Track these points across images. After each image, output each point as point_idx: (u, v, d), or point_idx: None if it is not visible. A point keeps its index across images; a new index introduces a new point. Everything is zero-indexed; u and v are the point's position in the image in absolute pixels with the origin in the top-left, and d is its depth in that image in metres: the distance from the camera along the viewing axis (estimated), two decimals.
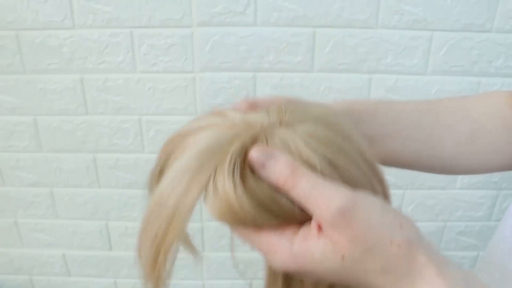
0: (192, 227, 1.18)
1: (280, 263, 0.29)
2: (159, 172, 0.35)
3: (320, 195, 0.27)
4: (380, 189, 0.33)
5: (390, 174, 1.13)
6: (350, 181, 0.30)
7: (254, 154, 0.29)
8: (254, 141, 0.30)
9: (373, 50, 0.96)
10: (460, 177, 1.13)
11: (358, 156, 0.31)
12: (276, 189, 0.29)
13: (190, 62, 0.98)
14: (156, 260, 0.30)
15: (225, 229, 1.18)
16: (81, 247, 1.22)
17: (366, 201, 0.28)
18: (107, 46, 0.97)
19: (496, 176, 1.14)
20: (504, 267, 0.46)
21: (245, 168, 0.29)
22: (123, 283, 1.29)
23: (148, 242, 0.30)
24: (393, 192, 1.13)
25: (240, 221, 0.30)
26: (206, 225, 1.17)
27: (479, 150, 0.46)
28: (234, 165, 0.29)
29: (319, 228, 0.28)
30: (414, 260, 0.27)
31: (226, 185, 0.29)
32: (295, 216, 0.29)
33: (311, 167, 0.29)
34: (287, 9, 0.93)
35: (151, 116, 1.03)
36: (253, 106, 0.35)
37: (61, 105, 1.03)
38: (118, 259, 1.24)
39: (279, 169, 0.28)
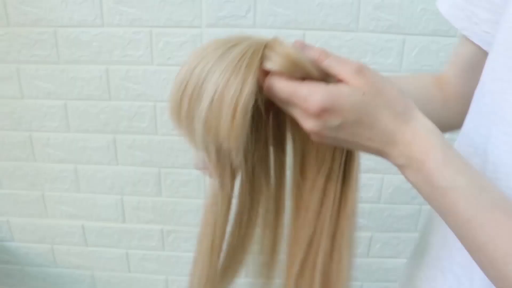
0: (196, 203, 1.35)
1: (318, 99, 0.37)
2: (185, 86, 0.40)
3: (344, 62, 0.38)
4: None
5: (370, 159, 1.29)
6: None
7: (296, 41, 0.41)
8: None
9: (354, 50, 1.13)
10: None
11: None
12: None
13: None
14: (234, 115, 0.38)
15: None
16: (99, 218, 1.39)
17: (374, 71, 0.39)
18: (130, 42, 1.15)
19: None
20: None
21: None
22: (134, 253, 1.45)
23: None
24: (373, 176, 1.29)
25: (294, 70, 0.38)
26: None
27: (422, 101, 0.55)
28: (280, 41, 0.40)
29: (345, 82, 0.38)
30: (408, 105, 0.39)
31: (285, 48, 0.39)
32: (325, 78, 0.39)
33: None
34: (281, 14, 1.10)
35: (164, 102, 1.21)
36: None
37: (89, 91, 1.21)
38: (130, 231, 1.41)
39: (314, 49, 0.40)
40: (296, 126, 0.43)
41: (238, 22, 1.12)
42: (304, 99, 0.38)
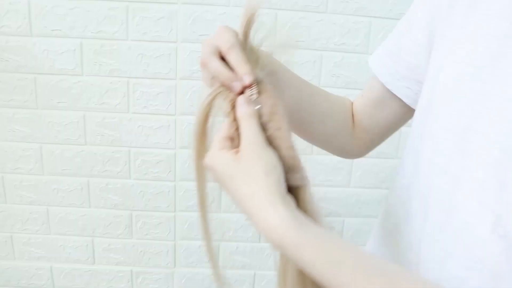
0: (167, 244, 1.39)
1: (206, 159, 0.45)
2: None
3: (252, 130, 0.43)
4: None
5: (331, 204, 1.38)
6: None
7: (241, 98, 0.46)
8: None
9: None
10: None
11: None
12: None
13: (173, 107, 1.23)
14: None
15: (196, 246, 1.39)
16: (68, 260, 1.40)
17: (267, 149, 0.43)
18: (108, 91, 1.22)
19: None
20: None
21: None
22: None
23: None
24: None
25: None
26: (179, 243, 1.38)
27: (327, 128, 0.64)
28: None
29: (237, 152, 0.43)
30: (272, 194, 0.40)
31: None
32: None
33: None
34: None
35: (138, 148, 1.27)
36: None
37: (65, 136, 1.26)
38: (99, 273, 1.42)
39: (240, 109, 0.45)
40: None
41: None
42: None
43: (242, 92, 0.47)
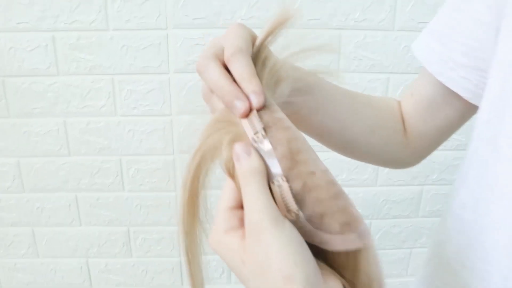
0: (171, 261, 1.22)
1: (210, 240, 0.33)
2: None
3: (254, 203, 0.30)
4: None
5: (356, 206, 1.20)
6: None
7: (237, 147, 0.33)
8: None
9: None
10: (422, 206, 1.22)
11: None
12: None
13: (168, 106, 1.05)
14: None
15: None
16: (61, 284, 1.24)
17: (283, 232, 0.29)
18: (90, 91, 1.04)
19: None
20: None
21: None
22: None
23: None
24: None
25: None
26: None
27: (375, 142, 0.53)
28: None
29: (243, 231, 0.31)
30: None
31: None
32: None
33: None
34: None
35: (131, 156, 1.09)
36: None
37: (45, 147, 1.08)
38: None
39: (243, 166, 0.32)
40: None
41: None
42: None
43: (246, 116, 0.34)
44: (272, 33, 0.36)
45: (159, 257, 1.22)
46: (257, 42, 0.37)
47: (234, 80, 0.34)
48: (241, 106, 0.33)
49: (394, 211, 1.21)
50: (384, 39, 1.02)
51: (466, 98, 0.49)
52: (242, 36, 0.36)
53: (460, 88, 0.48)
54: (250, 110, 0.33)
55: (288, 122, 0.33)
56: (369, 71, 1.05)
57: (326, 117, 0.49)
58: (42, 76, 1.02)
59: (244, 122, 0.33)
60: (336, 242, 0.30)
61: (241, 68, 0.34)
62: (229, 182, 0.34)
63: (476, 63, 0.46)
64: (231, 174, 0.32)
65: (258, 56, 0.36)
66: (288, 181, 0.30)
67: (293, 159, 0.31)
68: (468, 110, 0.51)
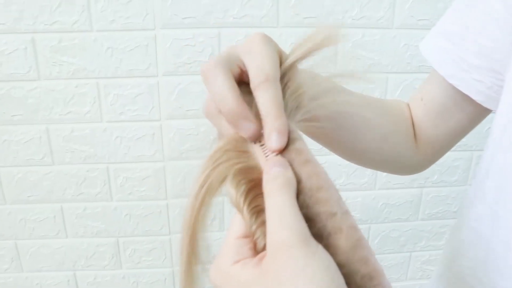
0: (163, 272, 1.17)
1: (211, 272, 0.28)
2: None
3: (282, 218, 0.25)
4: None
5: (355, 210, 1.17)
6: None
7: (272, 159, 0.28)
8: None
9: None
10: (421, 209, 1.18)
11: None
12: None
13: (157, 111, 1.00)
14: None
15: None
16: None
17: (316, 254, 0.24)
18: (73, 97, 0.98)
19: (454, 206, 1.19)
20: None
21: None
22: None
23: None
24: (359, 227, 1.16)
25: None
26: (178, 270, 1.17)
27: (388, 148, 0.50)
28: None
29: (261, 259, 0.26)
30: None
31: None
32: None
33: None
34: None
35: (118, 164, 1.04)
36: None
37: (26, 156, 1.02)
38: None
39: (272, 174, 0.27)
40: None
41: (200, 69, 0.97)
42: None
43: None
44: (306, 55, 0.32)
45: (151, 268, 1.16)
46: (287, 63, 0.32)
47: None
48: (247, 127, 0.28)
49: (394, 215, 1.18)
50: (383, 37, 0.98)
51: (479, 102, 0.45)
52: (271, 58, 0.30)
53: (473, 91, 0.45)
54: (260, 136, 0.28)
55: (308, 154, 0.28)
56: (368, 70, 1.00)
57: (339, 127, 0.45)
58: (21, 81, 0.96)
59: (257, 149, 0.28)
60: None
61: (269, 100, 0.29)
62: (237, 215, 0.29)
63: (491, 64, 0.43)
64: (240, 208, 0.28)
65: (283, 77, 0.31)
66: (306, 221, 0.25)
67: (312, 196, 0.26)
68: (480, 113, 0.49)
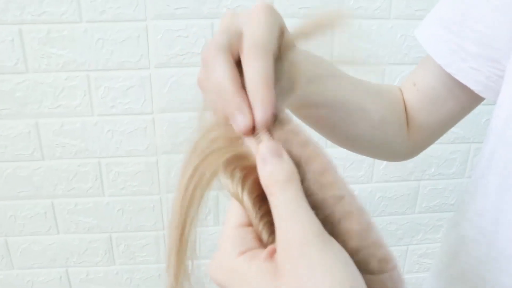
0: (158, 268, 1.15)
1: (210, 267, 0.26)
2: None
3: (293, 214, 0.23)
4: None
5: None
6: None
7: (263, 148, 0.26)
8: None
9: None
10: (418, 202, 1.17)
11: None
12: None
13: (149, 104, 0.97)
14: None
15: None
16: None
17: (332, 251, 0.23)
18: (63, 89, 0.95)
19: (452, 199, 1.18)
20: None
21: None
22: None
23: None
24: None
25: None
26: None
27: (380, 135, 0.49)
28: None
29: (271, 254, 0.24)
30: None
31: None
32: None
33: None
34: None
35: (110, 158, 1.01)
36: None
37: (16, 151, 0.99)
38: None
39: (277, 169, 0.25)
40: None
41: (193, 61, 0.95)
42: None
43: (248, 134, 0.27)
44: (308, 35, 0.30)
45: (145, 264, 1.14)
46: (287, 37, 0.30)
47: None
48: (241, 120, 0.26)
49: (390, 208, 1.16)
50: (380, 28, 0.96)
51: (476, 92, 0.44)
52: (268, 26, 0.29)
53: (470, 81, 0.44)
54: (253, 130, 0.26)
55: (304, 135, 0.26)
56: (364, 62, 0.98)
57: (332, 113, 0.44)
58: (9, 74, 0.93)
59: (248, 138, 0.26)
60: (378, 285, 0.24)
61: (256, 69, 0.26)
62: (235, 202, 0.27)
63: (489, 52, 0.42)
64: (239, 198, 0.26)
65: (279, 53, 0.29)
66: (312, 208, 0.24)
67: (316, 181, 0.24)
68: (474, 102, 0.48)
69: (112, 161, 1.02)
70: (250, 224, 0.26)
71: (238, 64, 0.28)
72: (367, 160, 1.09)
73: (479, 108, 0.50)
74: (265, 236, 0.25)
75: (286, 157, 0.25)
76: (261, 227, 0.25)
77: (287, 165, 0.24)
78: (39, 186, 1.04)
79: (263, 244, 0.25)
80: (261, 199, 0.25)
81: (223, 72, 0.27)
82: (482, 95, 0.44)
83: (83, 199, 1.05)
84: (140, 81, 0.96)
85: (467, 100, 0.47)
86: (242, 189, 0.25)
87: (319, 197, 0.24)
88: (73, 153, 1.00)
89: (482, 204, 0.43)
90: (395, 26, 0.96)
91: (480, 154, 0.45)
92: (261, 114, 0.26)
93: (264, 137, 0.26)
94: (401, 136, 0.51)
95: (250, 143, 0.26)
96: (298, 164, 0.25)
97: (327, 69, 0.42)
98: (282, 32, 0.30)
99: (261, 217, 0.25)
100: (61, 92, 0.95)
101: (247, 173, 0.26)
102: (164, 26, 0.92)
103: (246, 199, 0.25)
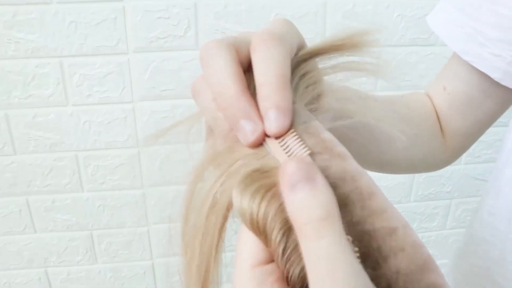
0: (142, 265, 1.09)
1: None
2: None
3: (335, 269, 0.18)
4: None
5: None
6: None
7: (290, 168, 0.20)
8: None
9: None
10: (414, 190, 1.13)
11: None
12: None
13: (129, 91, 0.90)
14: None
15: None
16: None
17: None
18: (34, 78, 0.87)
19: (448, 186, 1.14)
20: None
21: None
22: None
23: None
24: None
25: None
26: (158, 262, 1.09)
27: (415, 153, 0.47)
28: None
29: None
30: None
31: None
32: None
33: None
34: (230, 30, 0.88)
35: (88, 151, 0.95)
36: None
37: None
38: None
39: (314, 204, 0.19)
40: None
41: (176, 44, 0.88)
42: None
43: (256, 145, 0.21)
44: (330, 50, 0.26)
45: (128, 262, 1.09)
46: (305, 49, 0.26)
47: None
48: (249, 129, 0.20)
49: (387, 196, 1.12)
50: (375, 7, 0.90)
51: (496, 79, 0.42)
52: (288, 30, 0.24)
53: (489, 68, 0.41)
54: (262, 137, 0.20)
55: (341, 146, 0.20)
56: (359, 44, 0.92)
57: (362, 138, 0.40)
58: None
59: (274, 145, 0.20)
60: None
61: (270, 60, 0.21)
62: (248, 234, 0.20)
63: (510, 36, 0.39)
64: (258, 230, 0.19)
65: (297, 68, 0.24)
66: (353, 241, 0.18)
67: (365, 207, 0.18)
68: (510, 96, 0.45)
69: (90, 154, 0.95)
70: (270, 260, 0.20)
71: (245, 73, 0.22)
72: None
73: None
74: (294, 278, 0.19)
75: (321, 181, 0.18)
76: (288, 266, 0.19)
77: (324, 196, 0.18)
78: (12, 183, 0.96)
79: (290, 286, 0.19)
80: (288, 228, 0.19)
81: (224, 69, 0.21)
82: (503, 83, 0.42)
83: (61, 195, 0.99)
84: (118, 67, 0.88)
85: (503, 95, 0.44)
86: (266, 217, 0.19)
87: (367, 227, 0.19)
88: (47, 147, 0.93)
89: (495, 201, 0.41)
90: (392, 5, 0.90)
91: (501, 148, 0.43)
92: (277, 122, 0.20)
93: (292, 145, 0.20)
94: (438, 147, 0.49)
95: (276, 151, 0.20)
96: (338, 185, 0.19)
97: (355, 91, 0.37)
98: (301, 44, 0.26)
99: (289, 255, 0.19)
100: (31, 81, 0.88)
101: (274, 195, 0.19)
102: (143, 6, 0.85)
103: (275, 232, 0.19)
